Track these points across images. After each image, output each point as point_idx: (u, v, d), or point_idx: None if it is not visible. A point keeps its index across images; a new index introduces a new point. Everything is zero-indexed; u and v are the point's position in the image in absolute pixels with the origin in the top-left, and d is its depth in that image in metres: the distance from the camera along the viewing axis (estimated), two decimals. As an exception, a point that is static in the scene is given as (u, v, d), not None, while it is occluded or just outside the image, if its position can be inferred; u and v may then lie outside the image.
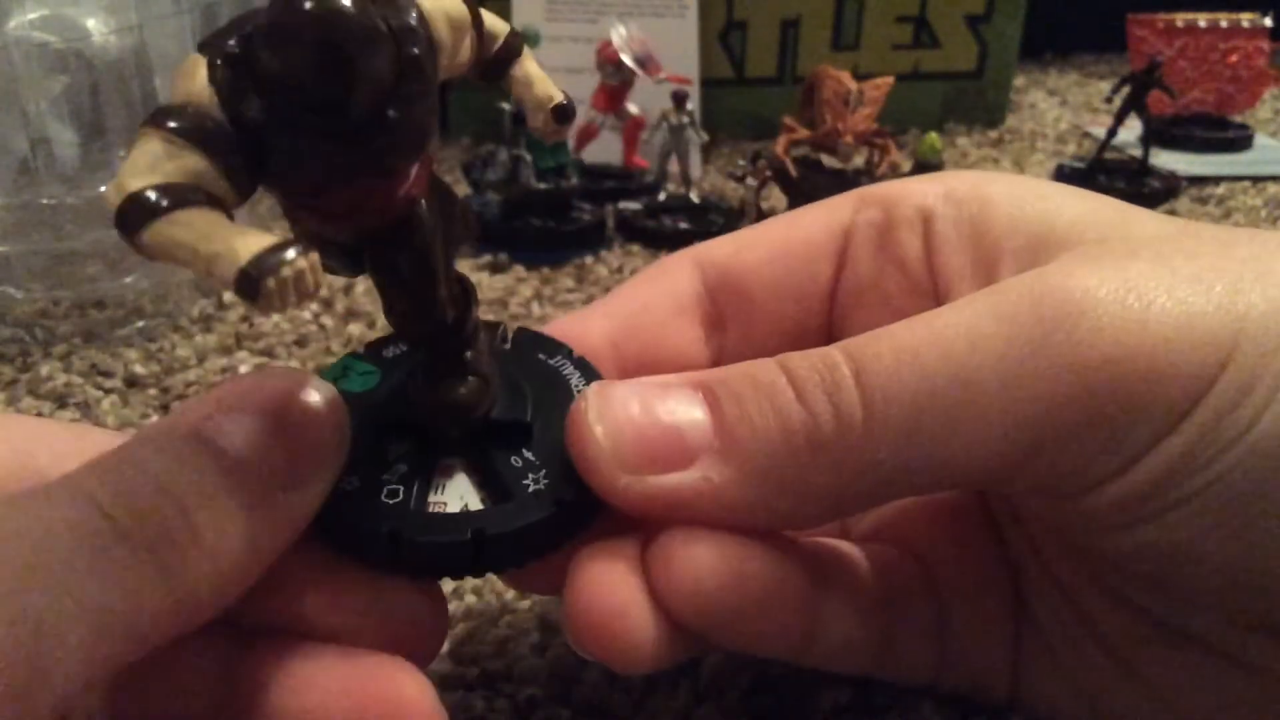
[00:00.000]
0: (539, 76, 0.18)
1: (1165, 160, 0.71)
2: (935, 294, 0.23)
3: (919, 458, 0.18)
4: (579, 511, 0.20)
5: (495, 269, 0.53)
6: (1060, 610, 0.22)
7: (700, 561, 0.18)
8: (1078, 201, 0.21)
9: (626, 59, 0.60)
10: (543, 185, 0.55)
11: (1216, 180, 0.69)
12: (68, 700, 0.14)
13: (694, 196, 0.60)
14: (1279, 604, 0.18)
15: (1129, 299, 0.18)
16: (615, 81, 0.62)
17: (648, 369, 0.23)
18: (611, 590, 0.18)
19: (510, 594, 0.29)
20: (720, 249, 0.25)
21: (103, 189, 0.44)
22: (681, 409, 0.19)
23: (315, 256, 0.15)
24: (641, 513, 0.19)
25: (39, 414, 0.39)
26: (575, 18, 0.68)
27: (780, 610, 0.19)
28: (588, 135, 0.63)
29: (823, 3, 0.76)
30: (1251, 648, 0.19)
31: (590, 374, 0.22)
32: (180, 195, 0.15)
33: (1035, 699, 0.23)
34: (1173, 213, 0.64)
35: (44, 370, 0.42)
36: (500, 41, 0.18)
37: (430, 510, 0.19)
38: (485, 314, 0.50)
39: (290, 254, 0.14)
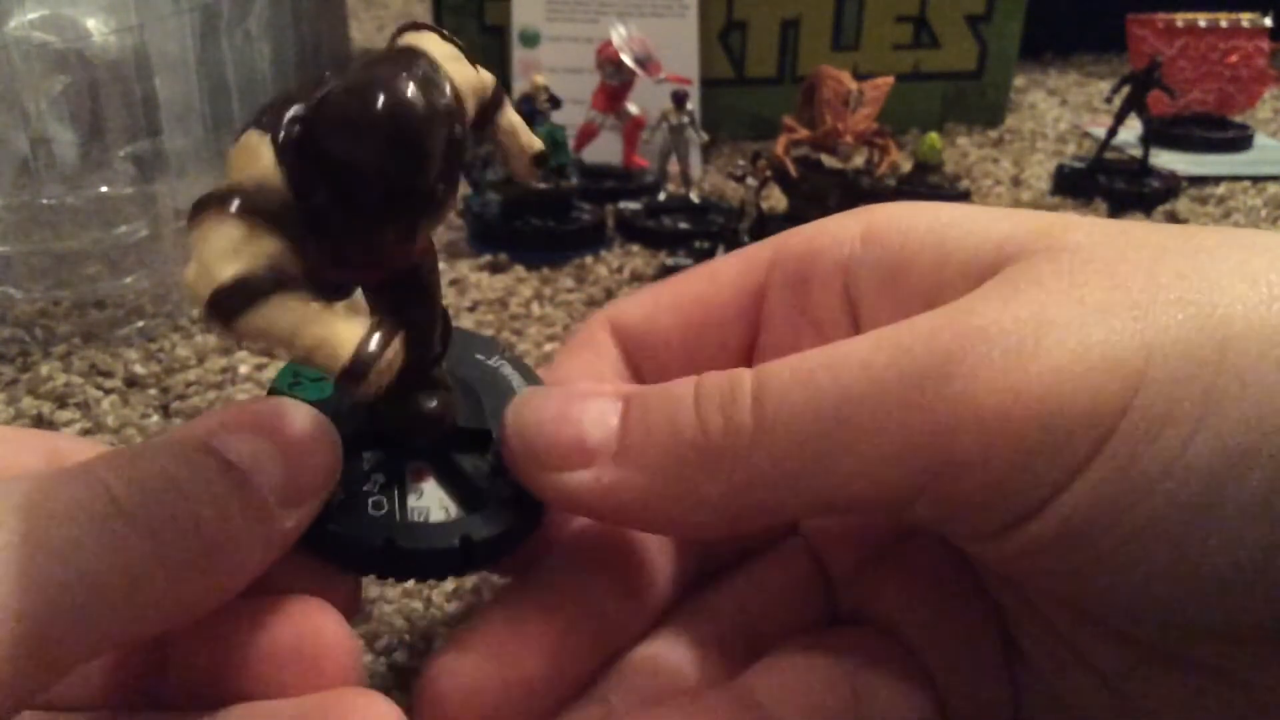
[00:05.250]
0: (521, 125, 0.20)
1: (1165, 160, 0.71)
2: None
3: (804, 474, 0.18)
4: (542, 510, 0.21)
5: (495, 269, 0.53)
6: (1052, 649, 0.21)
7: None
8: (1003, 222, 0.21)
9: (626, 59, 0.60)
10: (543, 185, 0.55)
11: (1216, 180, 0.69)
12: (62, 671, 0.15)
13: (694, 196, 0.60)
14: (1271, 612, 0.17)
15: (1024, 333, 0.17)
16: (615, 81, 0.62)
17: None
18: None
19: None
20: (633, 312, 0.25)
21: (105, 189, 0.44)
22: (594, 414, 0.20)
23: (399, 341, 0.16)
24: (552, 504, 0.20)
25: (39, 414, 0.39)
26: (575, 18, 0.68)
27: None
28: (588, 135, 0.63)
29: (823, 3, 0.76)
30: (1242, 660, 0.19)
31: (527, 373, 0.23)
32: (270, 281, 0.16)
33: None
34: (1173, 213, 0.64)
35: (44, 370, 0.42)
36: (490, 93, 0.19)
37: (416, 519, 0.20)
38: (485, 314, 0.50)
39: (383, 345, 0.16)
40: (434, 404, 0.21)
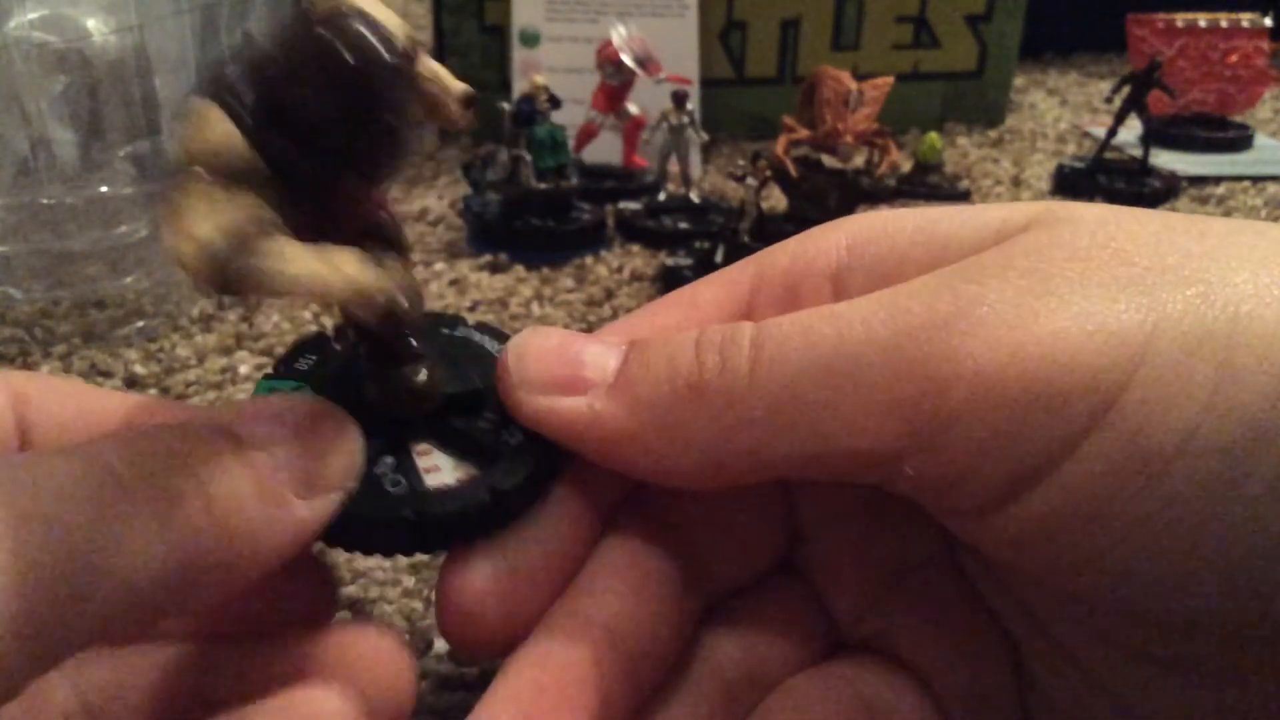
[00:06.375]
0: (442, 70, 0.19)
1: (1165, 160, 0.71)
2: None
3: (794, 422, 0.18)
4: (558, 453, 0.21)
5: (495, 269, 0.53)
6: (1059, 667, 0.21)
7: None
8: (999, 210, 0.20)
9: (626, 59, 0.60)
10: (543, 185, 0.55)
11: (1216, 180, 0.70)
12: (54, 656, 0.14)
13: (694, 196, 0.60)
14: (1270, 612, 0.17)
15: (1023, 299, 0.17)
16: (615, 81, 0.62)
17: None
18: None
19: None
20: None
21: (105, 189, 0.44)
22: (595, 353, 0.20)
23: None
24: (540, 428, 0.20)
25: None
26: (575, 18, 0.68)
27: None
28: (588, 135, 0.63)
29: (823, 3, 0.76)
30: (1246, 662, 0.18)
31: (495, 333, 0.23)
32: (256, 227, 0.16)
33: None
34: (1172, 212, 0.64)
35: (44, 370, 0.42)
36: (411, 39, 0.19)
37: (437, 487, 0.20)
38: (485, 314, 0.50)
39: (402, 270, 0.17)
40: (422, 376, 0.21)
